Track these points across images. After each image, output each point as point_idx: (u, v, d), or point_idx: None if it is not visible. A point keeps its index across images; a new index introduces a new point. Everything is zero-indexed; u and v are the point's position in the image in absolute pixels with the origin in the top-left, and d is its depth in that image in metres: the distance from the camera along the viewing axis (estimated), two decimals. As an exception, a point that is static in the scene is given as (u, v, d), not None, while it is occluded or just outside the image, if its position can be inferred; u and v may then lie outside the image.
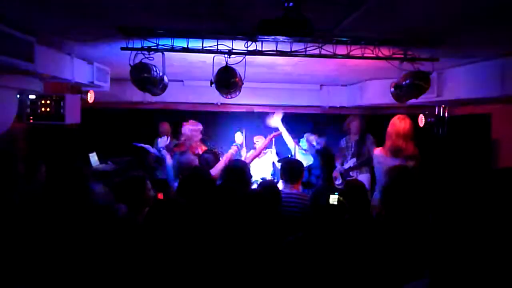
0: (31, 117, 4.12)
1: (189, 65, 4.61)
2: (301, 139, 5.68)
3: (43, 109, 4.15)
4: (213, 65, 3.48)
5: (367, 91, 5.93)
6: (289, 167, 3.49)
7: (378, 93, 5.58)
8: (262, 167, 5.37)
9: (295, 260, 2.08)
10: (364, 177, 5.13)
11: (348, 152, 5.45)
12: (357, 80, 6.05)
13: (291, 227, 2.60)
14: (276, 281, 1.93)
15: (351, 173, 5.28)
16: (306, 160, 5.48)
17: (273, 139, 4.95)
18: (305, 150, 5.50)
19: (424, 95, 4.01)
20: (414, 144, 3.88)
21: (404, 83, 3.54)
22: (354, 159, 5.31)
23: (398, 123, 3.84)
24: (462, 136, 5.25)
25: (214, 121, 6.69)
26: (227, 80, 3.41)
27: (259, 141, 5.73)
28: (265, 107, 6.83)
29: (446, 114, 5.54)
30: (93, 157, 5.75)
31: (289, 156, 5.12)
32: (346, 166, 5.37)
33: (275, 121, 5.08)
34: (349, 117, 5.65)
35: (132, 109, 6.56)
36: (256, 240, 2.07)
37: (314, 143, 5.63)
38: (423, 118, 5.47)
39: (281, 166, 3.62)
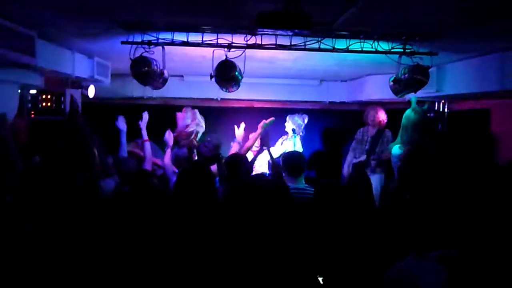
0: (32, 112, 4.15)
1: (189, 60, 4.62)
2: (285, 123, 5.71)
3: (44, 104, 4.17)
4: (212, 60, 3.50)
5: (367, 86, 5.93)
6: (291, 161, 3.48)
7: (378, 88, 5.57)
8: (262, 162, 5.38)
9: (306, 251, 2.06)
10: (376, 178, 4.86)
11: (363, 146, 5.20)
12: (357, 76, 6.05)
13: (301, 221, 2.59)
14: (287, 271, 1.93)
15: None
16: (298, 145, 5.51)
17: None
18: (293, 132, 5.49)
19: (424, 90, 4.03)
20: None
21: (403, 77, 3.56)
22: (365, 157, 5.08)
23: (414, 114, 3.82)
24: (462, 131, 5.26)
25: (214, 117, 6.69)
26: (226, 73, 3.43)
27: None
28: (265, 103, 6.85)
29: (446, 109, 5.56)
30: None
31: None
32: (356, 161, 5.16)
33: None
34: (367, 107, 5.37)
35: (132, 105, 6.56)
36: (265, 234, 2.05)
37: (300, 122, 5.65)
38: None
39: (283, 160, 3.62)
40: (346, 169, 5.28)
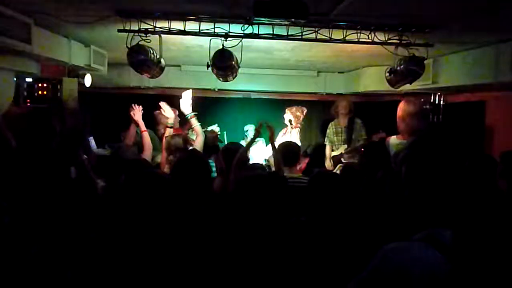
0: (28, 101, 4.14)
1: (186, 49, 4.62)
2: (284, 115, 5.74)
3: (40, 92, 4.15)
4: (209, 49, 3.50)
5: (364, 78, 5.96)
6: (286, 150, 3.50)
7: (374, 79, 5.60)
8: (258, 155, 5.40)
9: (300, 241, 2.08)
10: None
11: (338, 138, 5.37)
12: (354, 67, 6.07)
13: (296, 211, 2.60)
14: (281, 262, 1.94)
15: (343, 160, 5.26)
16: (295, 136, 5.55)
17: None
18: (290, 123, 5.54)
19: (420, 82, 4.05)
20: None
21: (398, 68, 3.58)
22: (345, 146, 5.26)
23: (408, 105, 3.85)
24: (457, 123, 5.31)
25: (211, 107, 6.71)
26: (223, 62, 3.43)
27: (249, 129, 5.80)
28: (263, 94, 6.86)
29: (441, 102, 5.60)
30: (91, 141, 5.77)
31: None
32: (337, 152, 5.34)
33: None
34: (337, 99, 5.58)
35: (129, 94, 6.56)
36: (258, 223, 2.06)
37: (298, 113, 5.70)
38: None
39: (278, 149, 3.62)
40: (328, 163, 5.38)
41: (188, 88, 6.43)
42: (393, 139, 3.93)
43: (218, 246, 1.96)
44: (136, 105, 4.37)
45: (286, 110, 5.81)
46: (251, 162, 5.01)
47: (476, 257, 1.10)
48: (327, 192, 2.31)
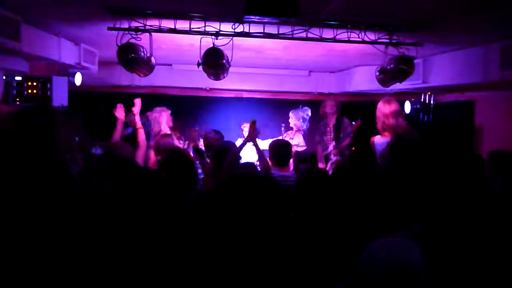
0: (17, 99, 4.09)
1: (178, 48, 4.60)
2: (289, 119, 5.75)
3: (29, 91, 4.11)
4: (200, 47, 3.49)
5: (355, 77, 5.99)
6: (278, 149, 3.49)
7: (365, 79, 5.64)
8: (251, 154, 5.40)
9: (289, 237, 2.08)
10: None
11: (328, 137, 5.41)
12: (345, 67, 6.10)
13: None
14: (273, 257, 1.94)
15: (333, 157, 5.28)
16: (299, 139, 5.58)
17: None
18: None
19: (410, 81, 4.09)
20: (407, 123, 3.93)
21: (388, 67, 3.61)
22: (333, 143, 5.31)
23: (384, 105, 3.89)
24: (447, 123, 5.36)
25: (203, 107, 6.70)
26: (214, 61, 3.43)
27: (246, 128, 5.78)
28: (254, 93, 6.87)
29: (431, 101, 5.64)
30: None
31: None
32: (329, 150, 5.39)
33: None
34: (324, 100, 5.62)
35: (120, 93, 6.52)
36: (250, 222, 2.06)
37: (304, 116, 5.74)
38: (409, 105, 5.56)
39: (270, 148, 3.62)
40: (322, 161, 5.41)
41: (179, 87, 6.47)
42: (378, 138, 3.96)
43: (205, 244, 1.95)
44: (138, 100, 4.31)
45: (291, 114, 5.82)
46: (243, 161, 5.03)
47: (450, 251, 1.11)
48: (315, 189, 2.32)
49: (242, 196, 2.13)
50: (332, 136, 5.35)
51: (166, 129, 4.39)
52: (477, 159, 3.04)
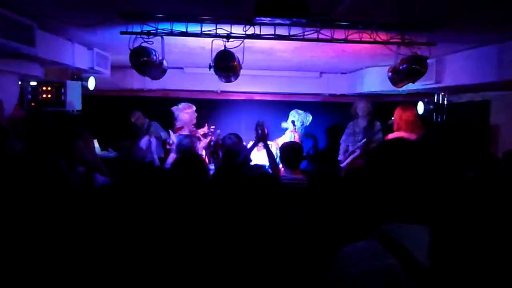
0: (33, 104, 4.16)
1: (189, 51, 4.63)
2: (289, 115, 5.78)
3: (44, 95, 4.19)
4: (211, 50, 3.51)
5: (367, 78, 5.94)
6: (289, 151, 3.47)
7: (377, 80, 5.59)
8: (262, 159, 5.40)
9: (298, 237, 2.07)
10: None
11: (356, 138, 5.27)
12: (357, 68, 6.06)
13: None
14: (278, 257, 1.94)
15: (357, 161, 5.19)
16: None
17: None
18: (293, 124, 5.59)
19: (423, 82, 4.04)
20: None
21: (401, 67, 3.57)
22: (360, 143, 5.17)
23: (401, 111, 3.92)
24: (461, 123, 5.28)
25: (214, 109, 6.72)
26: (225, 63, 3.44)
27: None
28: (265, 95, 6.87)
29: (445, 102, 5.57)
30: (95, 144, 5.80)
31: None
32: (348, 160, 5.29)
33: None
34: (355, 101, 5.51)
35: (132, 97, 6.60)
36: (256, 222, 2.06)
37: (302, 119, 5.75)
38: (422, 106, 5.49)
39: (280, 150, 3.60)
40: (342, 157, 5.34)
41: (191, 90, 6.51)
42: (393, 135, 3.96)
43: (206, 241, 1.95)
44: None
45: (292, 112, 5.84)
46: (254, 163, 5.04)
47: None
48: (326, 189, 2.31)
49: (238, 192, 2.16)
50: (360, 138, 5.24)
51: (190, 126, 4.52)
52: (493, 160, 2.98)
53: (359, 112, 5.31)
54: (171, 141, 4.47)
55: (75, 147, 2.79)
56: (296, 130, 5.77)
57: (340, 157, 5.42)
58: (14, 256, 1.77)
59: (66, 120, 4.65)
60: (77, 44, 4.31)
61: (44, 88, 4.16)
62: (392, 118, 4.24)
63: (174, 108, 4.95)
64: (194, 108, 4.91)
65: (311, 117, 5.98)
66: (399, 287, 0.96)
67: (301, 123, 5.90)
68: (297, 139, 5.70)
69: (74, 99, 4.36)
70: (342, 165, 5.30)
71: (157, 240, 1.82)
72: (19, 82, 4.02)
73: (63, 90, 4.23)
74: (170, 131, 4.85)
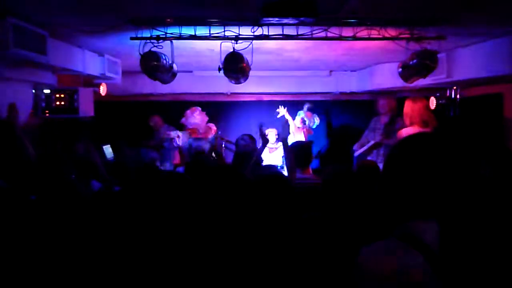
0: (47, 111, 4.24)
1: (198, 54, 4.66)
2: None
3: (57, 102, 4.25)
4: (220, 52, 3.53)
5: (377, 75, 5.91)
6: (299, 150, 3.46)
7: (387, 76, 5.55)
8: (274, 161, 5.41)
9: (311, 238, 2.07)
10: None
11: (375, 133, 5.24)
12: (366, 65, 6.03)
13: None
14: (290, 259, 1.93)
15: (369, 156, 5.15)
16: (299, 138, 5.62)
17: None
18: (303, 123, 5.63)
19: (434, 76, 4.00)
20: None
21: (411, 62, 3.54)
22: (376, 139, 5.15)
23: (411, 102, 3.89)
24: (474, 117, 5.21)
25: (224, 111, 6.75)
26: (234, 65, 3.45)
27: (270, 133, 5.81)
28: (275, 96, 6.87)
29: (457, 96, 5.50)
30: (107, 149, 5.87)
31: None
32: (363, 149, 5.30)
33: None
34: (377, 99, 5.46)
35: (143, 102, 6.67)
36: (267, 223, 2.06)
37: (315, 119, 5.79)
38: (434, 101, 5.43)
39: (291, 149, 3.59)
40: (357, 147, 5.32)
41: (201, 93, 6.56)
42: (407, 130, 3.94)
43: (221, 247, 1.95)
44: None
45: (304, 108, 5.87)
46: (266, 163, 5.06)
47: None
48: (341, 187, 2.30)
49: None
50: (381, 133, 5.22)
51: (201, 127, 4.61)
52: (508, 153, 2.94)
53: (380, 109, 5.29)
54: (179, 141, 4.54)
55: (75, 151, 2.84)
56: (305, 127, 5.78)
57: (355, 147, 5.40)
58: (26, 262, 1.81)
59: (71, 126, 4.73)
60: (88, 51, 4.38)
61: (57, 96, 4.23)
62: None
63: (183, 120, 5.06)
64: (200, 109, 5.00)
65: (318, 119, 6.02)
66: (427, 286, 0.95)
67: (310, 122, 5.90)
68: (305, 135, 5.71)
69: (87, 105, 4.42)
70: (355, 154, 5.28)
71: (162, 241, 1.83)
72: (33, 90, 4.09)
73: (75, 97, 4.30)
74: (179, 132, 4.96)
